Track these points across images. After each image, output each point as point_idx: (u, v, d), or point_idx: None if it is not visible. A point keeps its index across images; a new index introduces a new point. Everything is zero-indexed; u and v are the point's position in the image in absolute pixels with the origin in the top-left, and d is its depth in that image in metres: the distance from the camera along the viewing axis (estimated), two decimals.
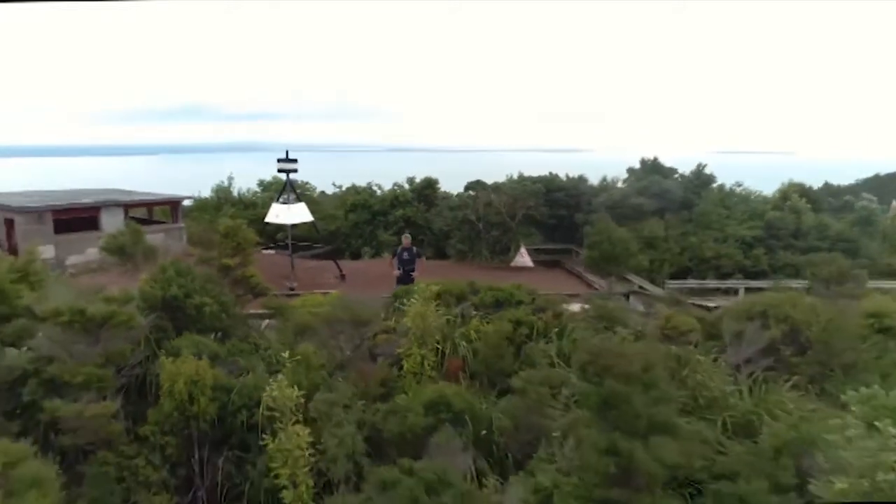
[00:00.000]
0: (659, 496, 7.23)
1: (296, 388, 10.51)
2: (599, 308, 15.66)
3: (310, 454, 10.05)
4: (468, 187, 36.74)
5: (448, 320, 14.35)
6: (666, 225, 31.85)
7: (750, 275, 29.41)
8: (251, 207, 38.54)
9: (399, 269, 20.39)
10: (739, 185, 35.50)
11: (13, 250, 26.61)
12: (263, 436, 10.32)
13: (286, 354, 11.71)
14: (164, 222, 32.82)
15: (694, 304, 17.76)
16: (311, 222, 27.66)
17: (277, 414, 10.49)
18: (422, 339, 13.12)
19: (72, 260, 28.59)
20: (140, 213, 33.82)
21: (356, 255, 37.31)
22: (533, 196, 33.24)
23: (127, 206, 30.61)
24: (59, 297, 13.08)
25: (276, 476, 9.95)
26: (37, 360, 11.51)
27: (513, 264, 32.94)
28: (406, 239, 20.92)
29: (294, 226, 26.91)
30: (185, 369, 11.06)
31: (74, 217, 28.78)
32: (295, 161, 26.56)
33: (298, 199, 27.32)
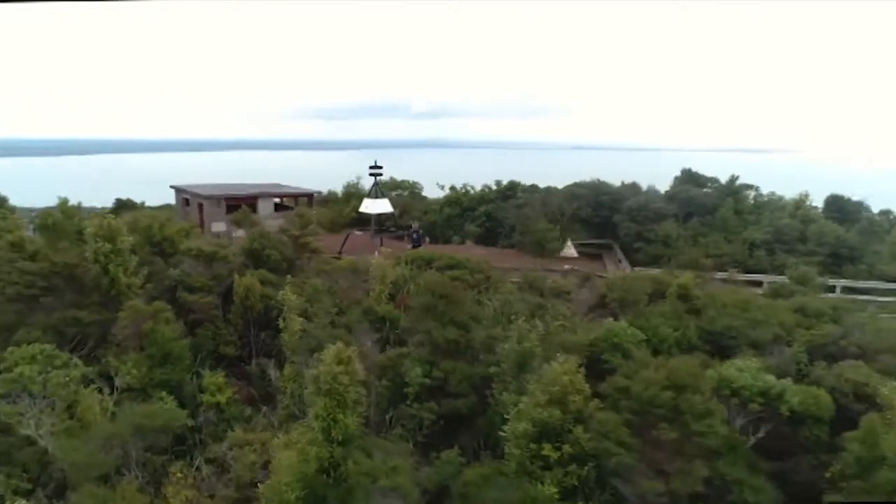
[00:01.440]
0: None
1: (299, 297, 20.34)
2: (527, 276, 24.12)
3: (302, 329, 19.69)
4: (529, 190, 44.79)
5: (408, 273, 23.52)
6: (684, 227, 37.54)
7: (750, 272, 34.39)
8: (345, 202, 49.62)
9: (410, 245, 29.79)
10: (762, 194, 39.71)
11: (201, 223, 39.72)
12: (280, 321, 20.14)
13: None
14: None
15: (599, 276, 25.22)
16: (391, 213, 37.67)
17: (286, 309, 20.33)
18: (382, 282, 22.43)
19: (238, 233, 41.24)
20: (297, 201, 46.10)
21: (447, 241, 46.77)
22: (578, 199, 40.53)
23: (275, 197, 42.79)
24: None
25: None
26: (183, 274, 22.46)
27: (560, 254, 40.49)
28: (415, 224, 30.26)
29: (379, 214, 37.09)
30: (245, 282, 21.41)
31: (238, 204, 41.36)
32: (381, 168, 36.83)
33: (382, 196, 37.38)
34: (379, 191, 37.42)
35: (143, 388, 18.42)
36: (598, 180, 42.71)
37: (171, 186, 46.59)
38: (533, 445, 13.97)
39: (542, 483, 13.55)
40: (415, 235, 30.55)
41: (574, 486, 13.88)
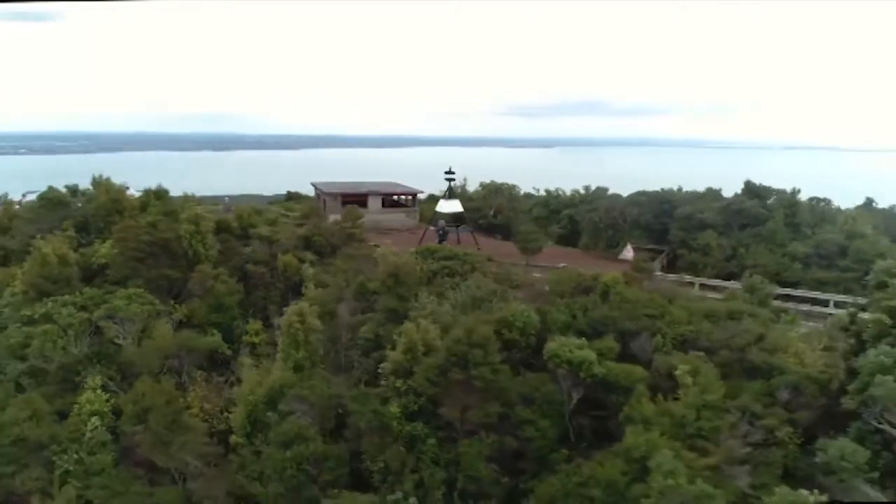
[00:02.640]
0: None
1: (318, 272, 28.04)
2: (498, 269, 29.72)
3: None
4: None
5: (414, 258, 30.13)
6: (729, 237, 39.20)
7: (784, 285, 35.54)
8: (468, 199, 56.20)
9: (437, 240, 36.05)
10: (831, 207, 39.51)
11: (324, 217, 49.43)
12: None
13: None
14: (407, 206, 52.76)
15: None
16: (461, 212, 44.10)
17: (306, 279, 28.10)
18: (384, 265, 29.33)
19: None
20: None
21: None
22: (639, 206, 43.62)
23: (383, 194, 51.23)
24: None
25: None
26: (251, 252, 31.24)
27: (619, 257, 44.06)
28: (441, 222, 36.44)
29: (451, 212, 43.75)
30: (284, 259, 29.54)
31: (354, 199, 50.38)
32: (453, 173, 43.49)
33: (454, 197, 43.94)
34: (452, 193, 44.07)
35: (201, 325, 27.30)
36: (664, 189, 45.30)
37: (311, 183, 57.30)
38: (391, 378, 20.19)
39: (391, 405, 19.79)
40: (440, 232, 37.00)
41: (415, 411, 19.90)
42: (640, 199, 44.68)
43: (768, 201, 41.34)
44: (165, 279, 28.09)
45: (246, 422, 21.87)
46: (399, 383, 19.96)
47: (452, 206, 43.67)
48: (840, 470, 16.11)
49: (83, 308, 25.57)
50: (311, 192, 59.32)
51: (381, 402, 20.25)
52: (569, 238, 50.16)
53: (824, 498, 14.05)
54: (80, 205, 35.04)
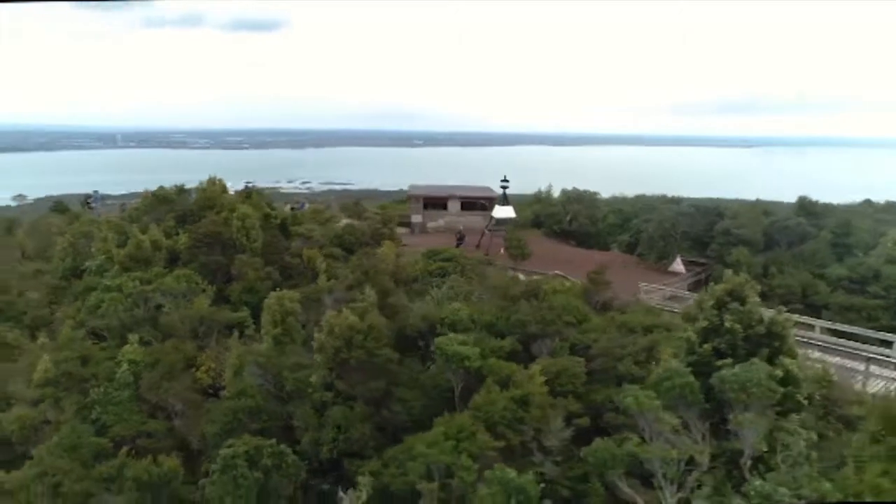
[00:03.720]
0: None
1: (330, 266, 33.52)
2: (481, 272, 33.06)
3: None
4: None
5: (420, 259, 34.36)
6: (764, 254, 37.85)
7: (809, 305, 34.07)
8: (537, 203, 58.25)
9: (456, 245, 39.48)
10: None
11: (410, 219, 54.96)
12: None
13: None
14: (486, 209, 56.39)
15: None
16: (514, 217, 47.03)
17: (320, 270, 33.70)
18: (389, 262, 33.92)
19: (430, 224, 55.34)
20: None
21: (604, 248, 53.12)
22: (689, 217, 43.35)
23: (462, 198, 55.46)
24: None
25: None
26: (293, 247, 37.46)
27: (668, 269, 44.39)
28: (462, 228, 39.63)
29: (506, 217, 46.94)
30: (308, 253, 35.26)
31: (434, 202, 55.29)
32: (508, 181, 46.66)
33: (508, 204, 47.00)
34: (507, 199, 47.19)
35: (234, 302, 33.81)
36: (712, 200, 44.37)
37: (410, 185, 63.12)
38: (316, 354, 24.88)
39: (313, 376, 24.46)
40: (457, 236, 40.34)
41: (329, 382, 24.38)
42: (690, 210, 44.30)
43: (825, 219, 39.27)
44: (215, 264, 35.06)
45: (233, 380, 27.78)
46: (319, 358, 24.54)
47: (506, 213, 46.93)
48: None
49: (147, 282, 33.20)
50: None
51: (309, 373, 24.95)
52: (635, 247, 50.80)
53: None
54: (191, 199, 43.81)
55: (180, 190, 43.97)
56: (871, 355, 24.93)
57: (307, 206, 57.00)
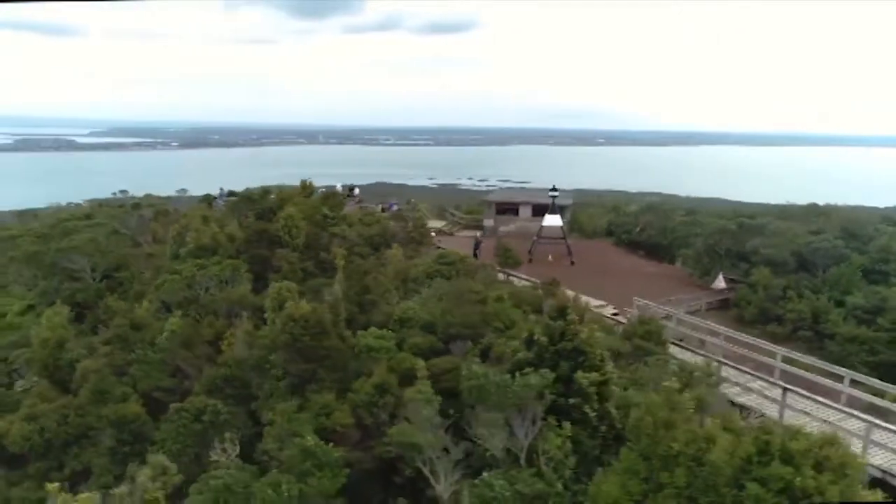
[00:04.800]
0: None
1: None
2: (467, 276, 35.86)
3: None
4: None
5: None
6: (795, 275, 35.62)
7: (818, 332, 32.09)
8: (612, 211, 57.76)
9: (473, 251, 41.88)
10: None
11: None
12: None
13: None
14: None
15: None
16: (560, 226, 48.28)
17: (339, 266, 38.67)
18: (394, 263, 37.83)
19: (501, 229, 58.10)
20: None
21: (672, 259, 52.26)
22: (730, 234, 41.75)
23: (534, 204, 57.34)
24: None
25: None
26: (327, 244, 42.76)
27: (711, 286, 43.31)
28: (479, 234, 41.94)
29: (554, 226, 48.46)
30: (337, 252, 40.26)
31: (507, 207, 57.86)
32: (557, 190, 48.22)
33: (555, 213, 48.38)
34: (555, 208, 48.60)
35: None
36: (744, 218, 42.12)
37: (492, 191, 65.99)
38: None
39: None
40: (475, 244, 42.64)
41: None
42: (731, 227, 42.51)
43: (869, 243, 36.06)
44: (260, 256, 41.31)
45: (228, 351, 33.55)
46: (281, 339, 29.23)
47: (554, 221, 48.54)
48: None
49: (203, 268, 40.24)
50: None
51: (271, 352, 29.76)
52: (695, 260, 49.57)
53: None
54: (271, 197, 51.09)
55: (264, 191, 51.26)
56: (787, 386, 24.05)
57: (396, 207, 62.16)
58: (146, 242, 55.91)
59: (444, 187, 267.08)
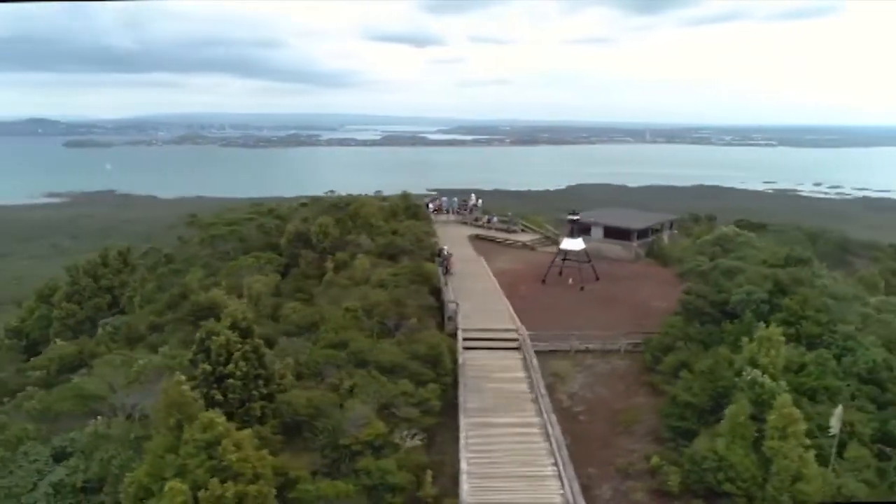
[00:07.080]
0: None
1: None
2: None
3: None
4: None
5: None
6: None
7: None
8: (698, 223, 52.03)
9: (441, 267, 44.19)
10: None
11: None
12: None
13: None
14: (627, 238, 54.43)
15: None
16: (583, 249, 47.26)
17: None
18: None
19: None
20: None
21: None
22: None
23: (605, 226, 55.64)
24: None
25: None
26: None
27: None
28: (446, 249, 44.17)
29: (574, 249, 47.92)
30: (362, 263, 47.59)
31: (581, 227, 57.22)
32: (577, 213, 47.90)
33: (575, 236, 47.57)
34: (576, 232, 47.76)
35: (294, 282, 48.61)
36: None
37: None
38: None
39: None
40: (441, 259, 44.16)
41: None
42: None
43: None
44: (293, 255, 50.51)
45: None
46: None
47: (575, 245, 48.06)
48: None
49: (258, 259, 51.00)
50: None
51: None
52: None
53: None
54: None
55: (345, 200, 60.34)
56: None
57: (497, 219, 64.85)
58: None
59: (780, 193, 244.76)
